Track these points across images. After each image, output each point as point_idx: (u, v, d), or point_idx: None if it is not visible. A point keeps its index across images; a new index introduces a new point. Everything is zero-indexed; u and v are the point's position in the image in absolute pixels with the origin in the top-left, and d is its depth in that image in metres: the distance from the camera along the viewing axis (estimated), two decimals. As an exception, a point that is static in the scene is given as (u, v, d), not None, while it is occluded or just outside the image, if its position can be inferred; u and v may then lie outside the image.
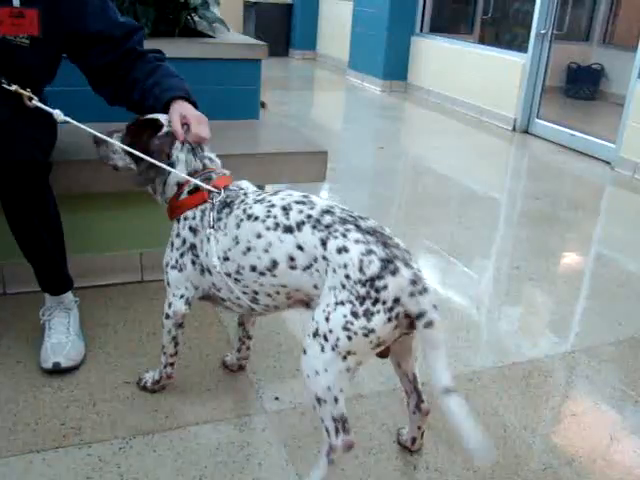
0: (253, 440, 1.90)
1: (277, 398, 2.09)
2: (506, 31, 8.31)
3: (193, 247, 1.86)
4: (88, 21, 2.11)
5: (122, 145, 1.90)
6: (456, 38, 8.04)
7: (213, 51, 3.06)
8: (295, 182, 2.71)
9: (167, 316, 1.95)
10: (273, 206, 1.70)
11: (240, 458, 1.84)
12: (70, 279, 2.29)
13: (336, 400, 1.60)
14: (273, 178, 2.70)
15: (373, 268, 1.51)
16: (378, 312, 1.50)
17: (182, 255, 1.88)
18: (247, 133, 2.96)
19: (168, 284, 1.93)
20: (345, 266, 1.54)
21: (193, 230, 1.85)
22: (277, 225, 1.66)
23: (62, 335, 2.20)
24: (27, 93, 1.95)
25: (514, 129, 6.54)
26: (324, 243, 1.59)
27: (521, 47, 6.79)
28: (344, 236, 1.58)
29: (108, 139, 1.93)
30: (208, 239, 1.79)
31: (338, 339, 1.53)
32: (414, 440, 1.94)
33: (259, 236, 1.68)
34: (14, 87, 1.94)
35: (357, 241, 1.56)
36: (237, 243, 1.73)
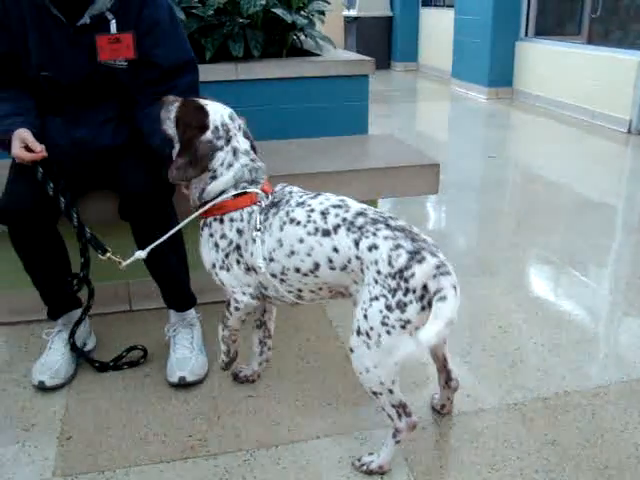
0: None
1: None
2: (617, 29, 7.96)
3: (238, 248, 1.91)
4: (156, 47, 2.17)
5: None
6: (563, 40, 7.79)
7: (321, 69, 3.11)
8: (407, 195, 2.72)
9: (237, 309, 2.00)
10: (313, 211, 1.79)
11: (362, 472, 1.85)
12: (194, 296, 2.39)
13: (391, 391, 1.72)
14: (385, 192, 2.71)
15: (401, 260, 1.61)
16: (411, 302, 1.59)
17: (227, 255, 1.93)
18: (357, 148, 2.99)
19: (223, 284, 1.99)
20: (376, 262, 1.64)
21: (239, 231, 1.90)
22: (317, 230, 1.76)
23: (186, 350, 2.29)
24: (117, 259, 2.05)
25: (629, 131, 6.25)
26: (357, 243, 1.69)
27: (634, 45, 6.49)
28: (374, 235, 1.67)
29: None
30: (254, 240, 1.86)
31: (380, 335, 1.63)
32: (443, 406, 2.07)
33: (301, 241, 1.78)
34: (107, 255, 2.06)
35: (386, 238, 1.66)
36: (281, 245, 1.81)
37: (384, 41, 11.17)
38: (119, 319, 2.69)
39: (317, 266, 1.77)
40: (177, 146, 1.95)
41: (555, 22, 8.75)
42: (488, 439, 1.98)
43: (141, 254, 2.02)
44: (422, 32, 10.97)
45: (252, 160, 1.95)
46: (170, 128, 1.96)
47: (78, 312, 2.32)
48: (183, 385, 2.22)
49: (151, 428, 2.04)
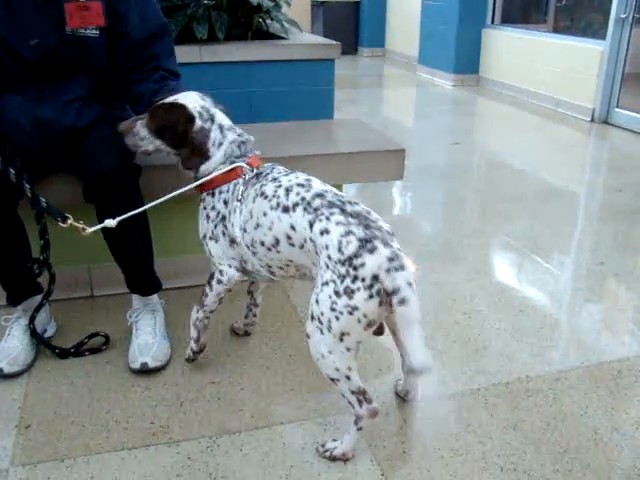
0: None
1: (360, 398, 2.09)
2: (582, 18, 8.04)
3: (224, 218, 1.96)
4: (127, 18, 2.15)
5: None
6: (529, 28, 7.84)
7: (286, 52, 3.08)
8: (373, 181, 2.70)
9: (219, 282, 2.04)
10: (280, 186, 1.83)
11: (325, 458, 1.85)
12: (159, 281, 2.35)
13: (348, 377, 1.72)
14: (350, 177, 2.70)
15: (351, 248, 1.60)
16: (358, 289, 1.58)
17: (216, 226, 1.98)
18: (323, 133, 2.97)
19: (211, 255, 2.03)
20: (327, 247, 1.65)
21: (225, 202, 1.97)
22: (278, 205, 1.79)
23: (149, 336, 2.26)
24: (81, 225, 1.99)
25: (592, 119, 6.33)
26: (311, 225, 1.70)
27: (598, 34, 6.55)
28: (327, 219, 1.68)
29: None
30: (234, 210, 1.90)
31: (330, 321, 1.63)
32: (407, 392, 2.08)
33: (265, 214, 1.83)
34: (69, 222, 1.99)
35: (338, 223, 1.65)
36: (251, 217, 1.86)
37: (351, 26, 11.11)
38: (80, 305, 2.65)
39: (277, 241, 1.81)
40: (169, 150, 2.01)
41: (521, 10, 8.81)
42: (451, 424, 1.99)
43: (111, 222, 1.97)
44: (389, 18, 10.93)
45: (239, 135, 2.00)
46: (150, 144, 1.99)
47: (38, 298, 2.27)
48: (145, 371, 2.19)
49: (113, 415, 2.02)
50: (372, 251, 1.58)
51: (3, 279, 2.27)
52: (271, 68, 3.02)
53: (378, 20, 10.96)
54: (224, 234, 1.98)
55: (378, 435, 1.94)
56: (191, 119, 1.93)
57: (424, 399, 2.10)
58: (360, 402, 1.76)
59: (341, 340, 1.65)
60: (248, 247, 1.90)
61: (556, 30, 7.69)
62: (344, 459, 1.83)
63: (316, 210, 1.71)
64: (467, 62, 8.28)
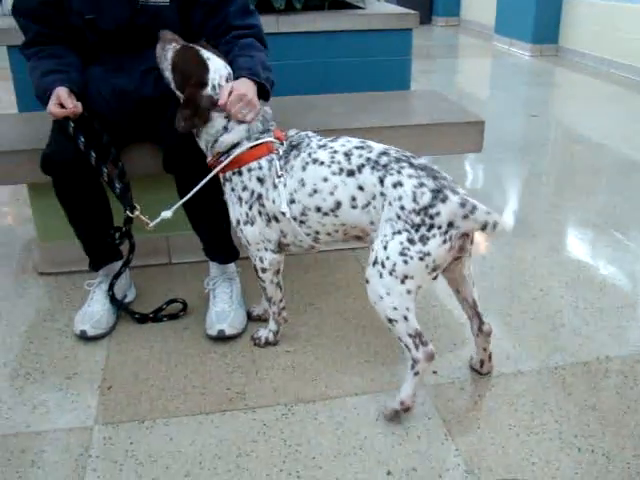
0: (412, 413, 1.90)
1: (435, 372, 2.08)
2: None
3: (260, 197, 1.94)
4: None
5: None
6: (613, -5, 7.52)
7: (364, 22, 3.05)
8: (451, 153, 2.66)
9: (264, 270, 2.07)
10: (336, 152, 1.85)
11: (399, 430, 1.85)
12: (236, 249, 2.39)
13: (406, 318, 1.75)
14: (428, 149, 2.66)
15: (425, 198, 1.68)
16: (434, 236, 1.67)
17: (250, 207, 1.97)
18: (400, 104, 2.93)
19: (248, 243, 2.03)
20: (400, 198, 1.71)
21: (260, 180, 1.94)
22: (341, 170, 1.82)
23: (225, 304, 2.30)
24: (145, 218, 2.06)
25: (680, 92, 6.05)
26: (382, 180, 1.75)
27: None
28: (399, 172, 1.74)
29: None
30: (276, 187, 1.89)
31: (395, 264, 1.70)
32: (482, 363, 2.06)
33: (325, 180, 1.83)
34: (136, 213, 2.07)
35: (410, 176, 1.72)
36: (303, 185, 1.86)
37: (425, -5, 10.91)
38: (159, 272, 2.72)
39: (339, 205, 1.83)
40: (175, 91, 2.00)
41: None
42: (527, 402, 1.96)
43: (167, 214, 2.03)
44: (465, -14, 10.69)
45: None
46: (167, 70, 1.99)
47: (119, 264, 2.34)
48: (222, 338, 2.23)
49: (190, 380, 2.07)
50: (444, 200, 1.67)
51: (86, 245, 2.35)
52: (348, 38, 2.99)
53: (453, -12, 10.73)
54: (260, 214, 1.96)
55: (452, 410, 1.93)
56: (204, 84, 1.92)
57: (500, 375, 2.08)
58: (416, 346, 1.78)
59: (402, 282, 1.71)
60: (295, 218, 1.90)
61: (642, -3, 7.35)
62: (404, 408, 1.85)
63: (385, 166, 1.76)
64: (546, 31, 8.01)
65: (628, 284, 2.67)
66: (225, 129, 1.94)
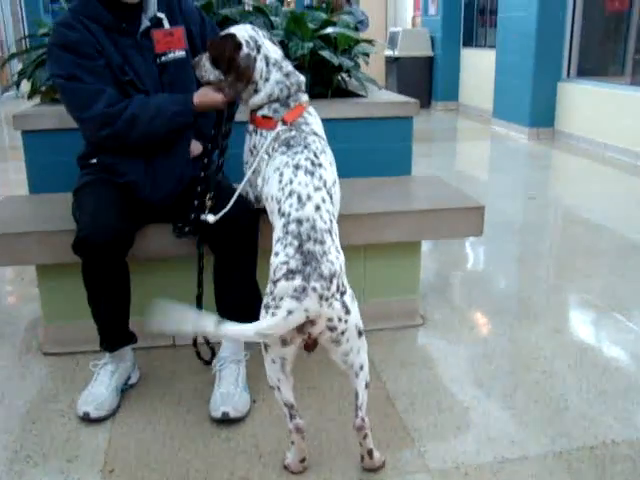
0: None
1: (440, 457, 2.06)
2: (662, 70, 7.90)
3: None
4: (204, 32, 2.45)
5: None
6: (606, 81, 7.76)
7: (366, 110, 3.15)
8: (452, 238, 2.71)
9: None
10: (296, 176, 1.94)
11: None
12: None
13: (278, 389, 1.88)
14: (429, 234, 2.71)
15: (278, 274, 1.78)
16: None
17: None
18: (401, 189, 3.01)
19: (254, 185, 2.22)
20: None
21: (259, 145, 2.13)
22: (283, 188, 1.94)
23: (231, 386, 2.30)
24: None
25: (675, 174, 6.17)
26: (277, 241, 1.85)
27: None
28: (285, 246, 1.81)
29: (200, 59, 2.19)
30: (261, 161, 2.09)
31: None
32: (362, 458, 1.99)
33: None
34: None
35: (284, 254, 1.80)
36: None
37: (424, 80, 11.24)
38: (163, 354, 2.71)
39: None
40: (222, 79, 2.16)
41: (598, 63, 8.73)
42: (533, 488, 1.94)
43: (211, 218, 2.16)
44: (463, 72, 11.02)
45: (286, 75, 2.11)
46: (211, 74, 2.16)
47: (129, 349, 2.38)
48: (226, 421, 2.22)
49: (193, 465, 2.05)
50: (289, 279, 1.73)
51: (104, 325, 2.33)
52: (351, 125, 3.08)
53: (452, 74, 11.05)
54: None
55: (458, 496, 1.91)
56: (238, 45, 2.07)
57: (504, 461, 2.06)
58: (287, 417, 1.91)
59: (266, 350, 1.84)
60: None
61: (634, 82, 7.58)
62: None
63: (286, 233, 1.82)
64: (542, 115, 8.22)
65: (631, 366, 2.67)
66: (256, 91, 2.11)
